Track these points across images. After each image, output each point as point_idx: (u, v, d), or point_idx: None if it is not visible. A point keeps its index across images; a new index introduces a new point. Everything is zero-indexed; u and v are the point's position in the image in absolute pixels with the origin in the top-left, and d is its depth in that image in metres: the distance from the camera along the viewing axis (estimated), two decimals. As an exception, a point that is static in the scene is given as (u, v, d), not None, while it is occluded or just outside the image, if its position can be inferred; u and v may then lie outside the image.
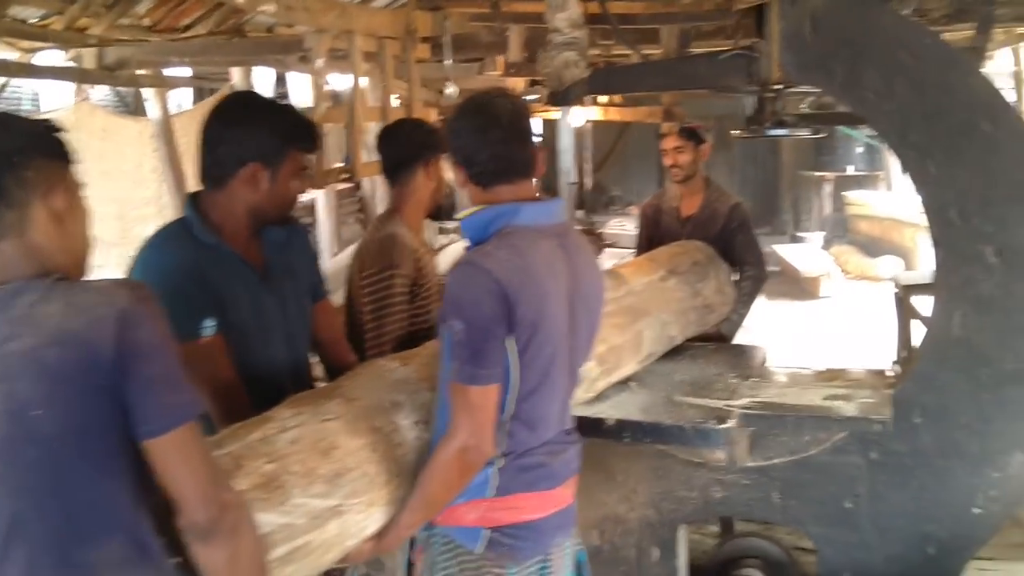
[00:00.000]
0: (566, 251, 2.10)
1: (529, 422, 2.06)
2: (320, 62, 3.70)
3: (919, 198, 2.93)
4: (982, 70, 3.23)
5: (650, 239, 4.34)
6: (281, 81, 9.10)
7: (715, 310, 3.67)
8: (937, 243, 2.90)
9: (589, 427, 2.92)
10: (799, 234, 13.82)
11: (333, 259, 7.98)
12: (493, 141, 2.03)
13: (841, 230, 12.26)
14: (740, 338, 4.21)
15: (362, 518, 1.88)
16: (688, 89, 4.28)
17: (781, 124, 3.16)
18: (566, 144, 3.33)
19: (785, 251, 11.83)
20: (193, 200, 2.24)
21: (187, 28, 6.01)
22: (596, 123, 9.91)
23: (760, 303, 9.93)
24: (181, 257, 2.12)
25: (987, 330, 2.84)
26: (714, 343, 3.98)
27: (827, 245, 12.37)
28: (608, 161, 17.21)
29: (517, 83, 4.32)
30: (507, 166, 2.06)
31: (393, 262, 2.81)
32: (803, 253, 11.53)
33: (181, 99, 9.64)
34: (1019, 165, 2.76)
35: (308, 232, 2.56)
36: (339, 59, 4.08)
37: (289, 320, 2.34)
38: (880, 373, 3.29)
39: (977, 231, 2.81)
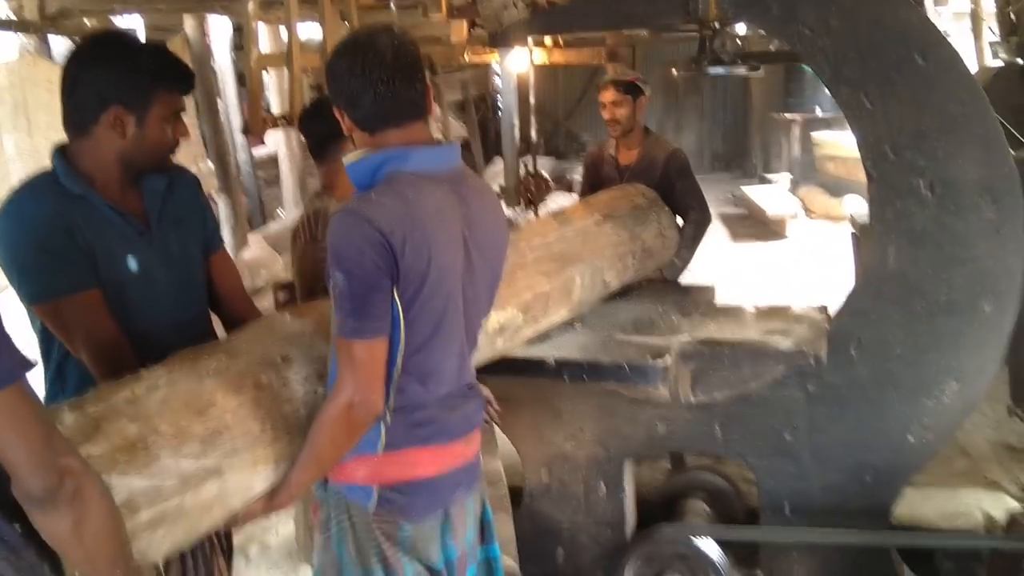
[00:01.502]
0: (461, 198, 1.98)
1: (421, 376, 1.97)
2: (251, 6, 3.63)
3: (854, 133, 2.95)
4: (919, 5, 3.24)
5: (592, 186, 4.35)
6: (240, 31, 8.93)
7: (655, 254, 3.66)
8: (871, 178, 2.93)
9: (530, 367, 2.97)
10: (768, 176, 13.86)
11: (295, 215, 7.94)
12: (376, 81, 1.88)
13: (809, 171, 12.29)
14: (700, 279, 4.23)
15: (245, 477, 1.81)
16: (628, 28, 4.24)
17: (719, 62, 3.16)
18: (508, 86, 3.31)
19: (752, 192, 11.89)
20: (61, 150, 2.11)
21: (135, -24, 5.88)
22: (567, 68, 9.79)
23: (726, 244, 10.11)
24: (47, 209, 2.01)
25: (921, 263, 2.89)
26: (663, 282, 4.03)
27: (794, 186, 12.41)
28: (579, 106, 17.12)
29: (460, 26, 4.26)
30: (393, 108, 1.92)
31: (320, 238, 2.71)
32: (770, 194, 11.59)
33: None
34: (952, 99, 2.78)
35: (196, 178, 2.42)
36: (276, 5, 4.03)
37: (176, 273, 2.22)
38: (821, 309, 3.33)
39: (910, 165, 2.84)
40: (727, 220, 11.67)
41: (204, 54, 5.08)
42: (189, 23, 6.41)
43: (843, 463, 3.04)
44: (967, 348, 2.88)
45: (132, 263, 2.11)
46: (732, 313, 3.45)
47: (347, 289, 1.81)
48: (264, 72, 5.93)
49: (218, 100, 7.69)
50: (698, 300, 3.61)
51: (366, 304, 1.82)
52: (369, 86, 1.88)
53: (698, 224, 4.09)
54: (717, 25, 3.09)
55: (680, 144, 14.58)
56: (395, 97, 1.90)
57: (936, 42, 2.83)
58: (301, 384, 1.97)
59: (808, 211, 11.11)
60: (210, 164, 6.49)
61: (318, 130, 2.83)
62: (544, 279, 2.96)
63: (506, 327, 2.72)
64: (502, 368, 2.93)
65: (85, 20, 5.63)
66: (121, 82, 2.05)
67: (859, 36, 2.83)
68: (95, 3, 5.30)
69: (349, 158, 1.96)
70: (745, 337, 3.01)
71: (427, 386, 1.99)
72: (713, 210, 11.83)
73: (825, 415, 3.04)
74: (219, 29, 7.94)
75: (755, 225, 11.02)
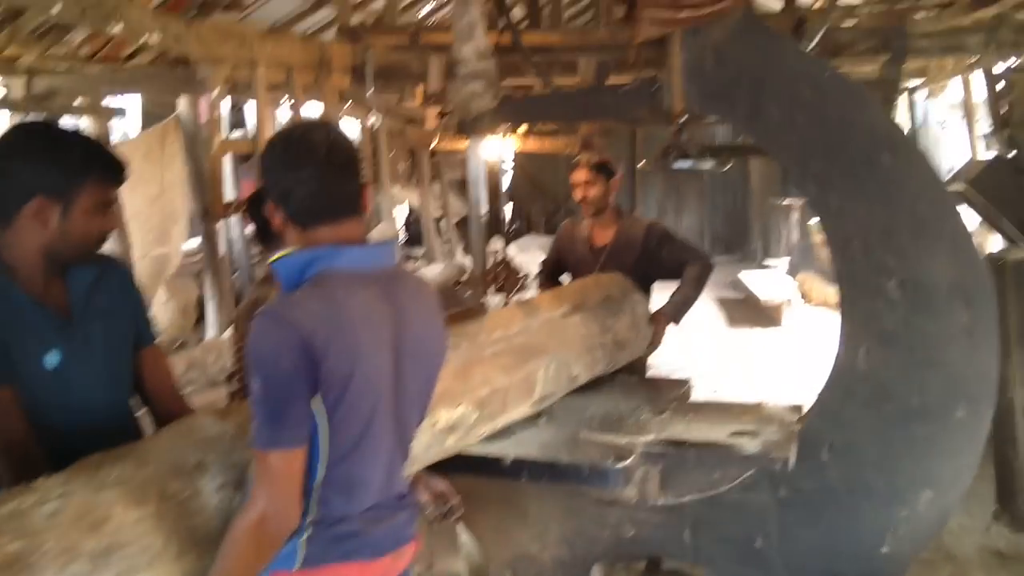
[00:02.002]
0: (393, 299, 1.91)
1: (344, 488, 1.87)
2: (215, 92, 3.63)
3: (822, 230, 2.89)
4: (896, 100, 3.23)
5: (559, 264, 4.29)
6: (237, 109, 9.04)
7: (628, 346, 3.54)
8: (840, 276, 2.87)
9: (488, 465, 2.86)
10: (767, 261, 13.85)
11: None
12: (309, 177, 1.84)
13: (807, 257, 12.26)
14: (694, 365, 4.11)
15: (144, 597, 1.66)
16: (594, 120, 4.23)
17: (685, 156, 3.13)
18: (476, 174, 3.28)
19: (749, 278, 11.84)
20: None
21: (130, 57, 5.95)
22: (557, 152, 9.87)
23: (722, 329, 10.02)
24: None
25: (892, 365, 2.80)
26: (637, 376, 3.93)
27: (792, 272, 12.37)
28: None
29: (431, 112, 4.29)
30: (326, 204, 1.86)
31: None
32: (767, 280, 11.53)
33: (130, 129, 9.55)
34: (919, 198, 2.74)
35: (128, 270, 2.35)
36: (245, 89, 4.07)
37: (99, 369, 2.13)
38: (795, 408, 3.23)
39: (880, 264, 2.78)
40: (725, 304, 11.60)
41: (197, 133, 5.11)
42: (183, 103, 6.48)
43: (817, 573, 2.91)
44: (941, 455, 2.78)
45: (50, 359, 2.03)
46: (704, 410, 3.34)
47: (263, 396, 1.71)
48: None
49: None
50: (671, 395, 3.50)
51: (284, 412, 1.72)
52: (301, 182, 1.84)
53: (703, 267, 3.93)
54: (684, 119, 3.06)
55: (682, 227, 14.60)
56: (328, 194, 1.86)
57: (902, 141, 2.82)
58: (215, 494, 1.85)
59: (805, 297, 11.04)
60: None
61: (263, 217, 2.79)
62: (503, 374, 2.82)
63: (458, 425, 2.60)
64: (459, 465, 2.82)
65: (76, 101, 5.70)
66: (45, 172, 2.00)
67: (826, 134, 2.81)
68: (84, 83, 5.36)
69: (277, 255, 1.88)
70: (712, 438, 2.90)
71: (351, 498, 1.88)
72: (711, 294, 11.80)
73: (796, 522, 2.92)
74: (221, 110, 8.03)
75: (752, 310, 10.94)
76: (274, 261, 1.89)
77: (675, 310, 3.84)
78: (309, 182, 1.84)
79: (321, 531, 1.86)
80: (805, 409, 3.14)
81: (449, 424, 2.56)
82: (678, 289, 3.91)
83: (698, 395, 3.91)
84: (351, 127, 10.22)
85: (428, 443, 2.48)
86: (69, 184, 2.02)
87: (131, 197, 6.91)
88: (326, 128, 1.92)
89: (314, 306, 1.75)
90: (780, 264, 13.11)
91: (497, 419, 2.81)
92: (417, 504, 2.18)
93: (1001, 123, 6.97)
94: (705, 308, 11.27)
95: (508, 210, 17.20)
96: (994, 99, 7.05)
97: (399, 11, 6.63)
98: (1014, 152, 6.49)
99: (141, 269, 7.21)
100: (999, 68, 6.69)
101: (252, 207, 2.86)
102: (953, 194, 2.83)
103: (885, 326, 2.79)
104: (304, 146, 1.86)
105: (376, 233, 10.45)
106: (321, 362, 1.73)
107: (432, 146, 5.04)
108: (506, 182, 17.48)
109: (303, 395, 1.74)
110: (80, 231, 2.06)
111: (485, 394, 2.71)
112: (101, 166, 2.09)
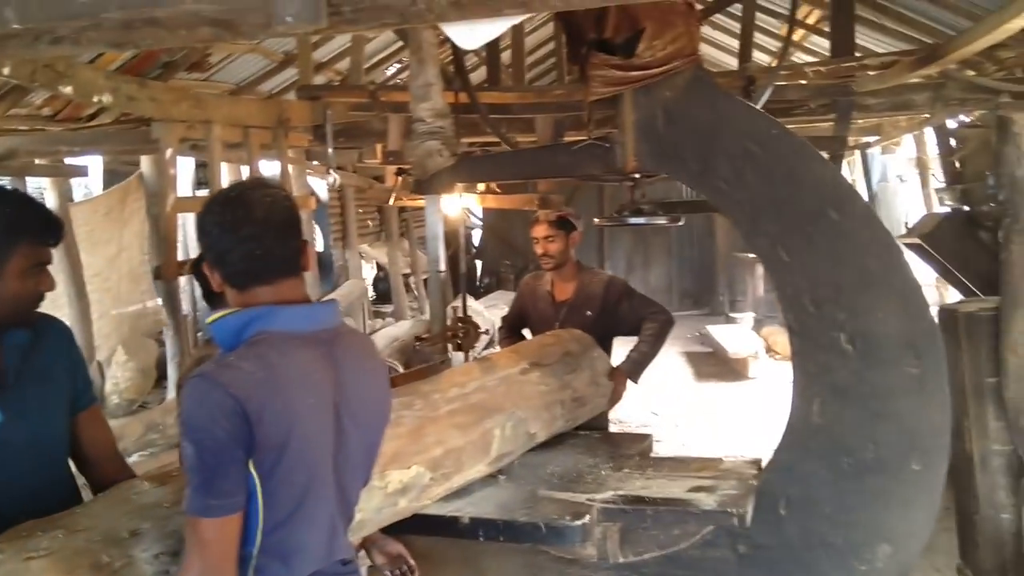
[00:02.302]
0: (333, 360, 1.88)
1: (283, 555, 1.80)
2: (169, 152, 3.63)
3: (774, 286, 2.92)
4: (844, 157, 3.29)
5: (520, 317, 4.29)
6: (203, 167, 9.05)
7: (587, 403, 3.53)
8: (792, 331, 2.88)
9: (444, 525, 2.82)
10: (733, 315, 13.94)
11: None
12: (245, 238, 1.81)
13: (772, 310, 12.35)
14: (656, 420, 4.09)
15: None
16: (549, 177, 4.27)
17: (639, 212, 3.16)
18: (435, 232, 3.28)
19: (716, 332, 11.90)
20: None
21: (92, 117, 5.95)
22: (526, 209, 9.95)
23: (690, 383, 10.04)
24: None
25: (845, 418, 2.81)
26: (601, 431, 3.91)
27: (758, 326, 12.45)
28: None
29: (390, 170, 4.32)
30: (263, 265, 1.84)
31: None
32: (733, 334, 11.59)
33: (92, 188, 9.51)
34: (867, 252, 2.77)
35: (67, 330, 2.32)
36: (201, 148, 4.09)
37: (34, 433, 2.08)
38: (753, 462, 3.23)
39: (831, 319, 2.80)
40: (692, 358, 11.64)
41: (160, 192, 5.08)
42: (145, 162, 6.47)
43: (777, 631, 2.88)
44: (898, 509, 2.77)
45: None
46: (664, 466, 3.33)
47: (196, 462, 1.66)
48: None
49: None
50: (631, 451, 3.48)
51: (217, 478, 1.67)
52: (238, 243, 1.81)
53: (662, 324, 3.94)
54: (637, 176, 3.10)
55: (650, 282, 14.63)
56: (265, 254, 1.83)
57: (849, 197, 2.85)
58: (150, 563, 1.78)
59: (771, 351, 11.10)
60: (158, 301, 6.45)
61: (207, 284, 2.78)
62: (458, 433, 2.79)
63: (411, 487, 2.56)
64: (416, 525, 2.78)
65: (38, 161, 5.67)
66: None
67: (774, 190, 2.84)
68: (45, 143, 5.34)
69: (214, 316, 1.85)
70: (669, 494, 2.88)
71: (290, 566, 1.82)
72: (678, 348, 11.81)
73: (756, 578, 2.89)
74: (182, 167, 8.03)
75: (719, 364, 10.98)
76: (211, 322, 1.86)
77: (633, 367, 3.85)
78: (246, 243, 1.81)
79: None
80: (764, 463, 3.14)
81: (401, 486, 2.52)
82: (636, 346, 3.92)
83: (666, 449, 3.91)
84: (317, 185, 10.25)
85: (379, 506, 2.43)
86: (2, 245, 2.00)
87: (91, 257, 6.86)
88: (264, 188, 1.90)
89: (249, 369, 1.72)
90: (746, 318, 13.18)
91: (452, 479, 2.76)
92: (359, 569, 2.12)
93: (954, 178, 7.14)
94: (673, 362, 11.30)
95: (479, 267, 17.26)
96: (946, 154, 7.22)
97: (364, 71, 6.72)
98: (967, 207, 6.64)
99: (100, 329, 7.13)
100: (951, 124, 6.88)
101: (196, 267, 2.84)
102: (900, 248, 2.86)
103: (837, 380, 2.80)
104: (241, 207, 1.83)
105: (345, 289, 10.42)
106: (256, 426, 1.68)
107: (391, 203, 5.06)
108: (476, 238, 17.57)
109: (238, 460, 1.69)
110: (13, 293, 2.03)
111: (439, 454, 2.67)
112: (35, 226, 2.07)
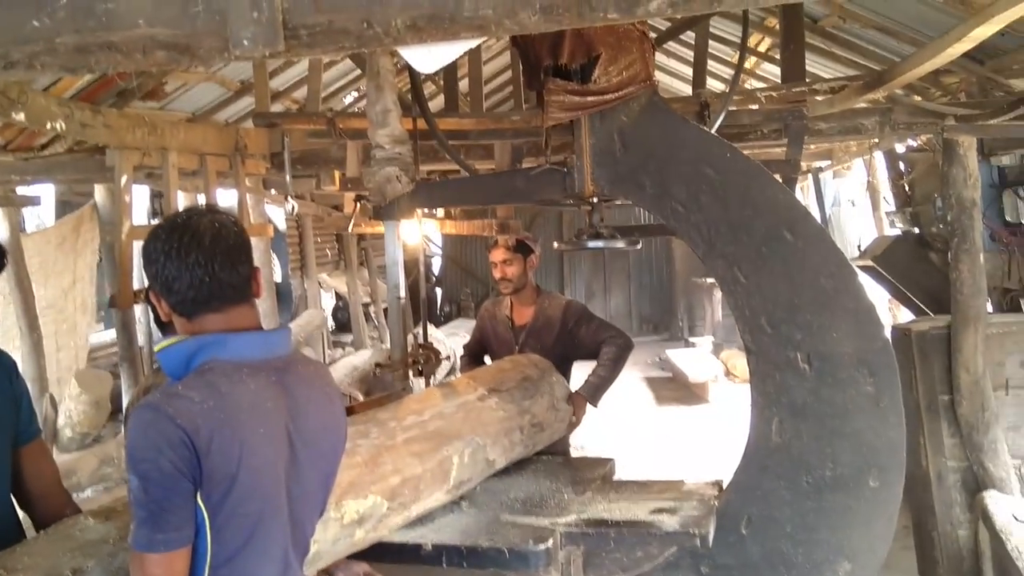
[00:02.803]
0: (286, 388, 1.83)
1: None
2: (124, 179, 3.60)
3: (731, 307, 2.96)
4: (797, 180, 3.35)
5: (481, 343, 4.29)
6: (159, 196, 8.95)
7: (547, 427, 3.51)
8: (749, 351, 2.92)
9: (408, 553, 2.79)
10: (692, 339, 14.05)
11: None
12: (192, 265, 1.76)
13: (731, 334, 12.47)
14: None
15: None
16: (508, 203, 4.30)
17: (598, 236, 3.18)
18: (394, 258, 3.27)
19: (676, 356, 11.98)
20: None
21: (44, 147, 5.87)
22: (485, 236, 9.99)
23: (650, 408, 10.08)
24: None
25: (804, 436, 2.85)
26: (563, 455, 3.91)
27: (717, 350, 12.56)
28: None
29: (349, 197, 4.32)
30: (211, 292, 1.79)
31: None
32: (693, 358, 11.68)
33: (44, 218, 9.37)
34: (821, 272, 2.83)
35: (11, 362, 2.27)
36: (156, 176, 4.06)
37: None
38: (715, 483, 3.24)
39: (787, 338, 2.85)
40: (652, 383, 11.70)
41: (115, 220, 5.01)
42: (99, 192, 6.39)
43: (741, 651, 2.89)
44: (856, 526, 2.81)
45: None
46: (626, 489, 3.33)
47: (142, 495, 1.61)
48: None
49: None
50: (593, 475, 3.48)
51: (162, 512, 1.62)
52: (185, 270, 1.77)
53: (621, 347, 3.93)
54: (595, 201, 3.12)
55: (610, 307, 14.63)
56: (213, 281, 1.78)
57: (803, 218, 2.91)
58: None
59: (730, 374, 11.20)
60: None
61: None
62: (416, 461, 2.72)
63: (368, 517, 2.48)
64: (378, 553, 2.74)
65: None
66: None
67: (729, 212, 2.89)
68: (-6, 173, 5.27)
69: (162, 344, 1.81)
70: (632, 517, 2.88)
71: None
72: (639, 373, 11.82)
73: (719, 599, 2.91)
74: (137, 196, 7.93)
75: (679, 388, 11.05)
76: (159, 350, 1.81)
77: (592, 391, 3.85)
78: (193, 270, 1.77)
79: None
80: (725, 484, 3.15)
81: (358, 516, 2.46)
82: (595, 370, 3.92)
83: (628, 474, 3.89)
84: (275, 214, 10.18)
85: (335, 537, 2.38)
86: None
87: (45, 288, 6.73)
88: (212, 213, 1.87)
89: (197, 398, 1.67)
90: (705, 342, 13.30)
91: (411, 508, 2.71)
92: None
93: (904, 201, 7.31)
94: (634, 387, 11.35)
95: (439, 295, 17.24)
96: (896, 178, 7.39)
97: (321, 99, 6.71)
98: (917, 229, 6.80)
99: (61, 361, 6.98)
100: (900, 148, 7.05)
101: (147, 294, 2.80)
102: (853, 268, 2.91)
103: (795, 399, 2.84)
104: (187, 233, 1.79)
105: (304, 319, 10.32)
106: (203, 459, 1.63)
107: (350, 230, 5.06)
108: (436, 266, 17.56)
109: (185, 493, 1.64)
110: None
111: (396, 483, 2.62)
112: None
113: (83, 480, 5.63)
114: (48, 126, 3.05)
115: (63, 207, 8.54)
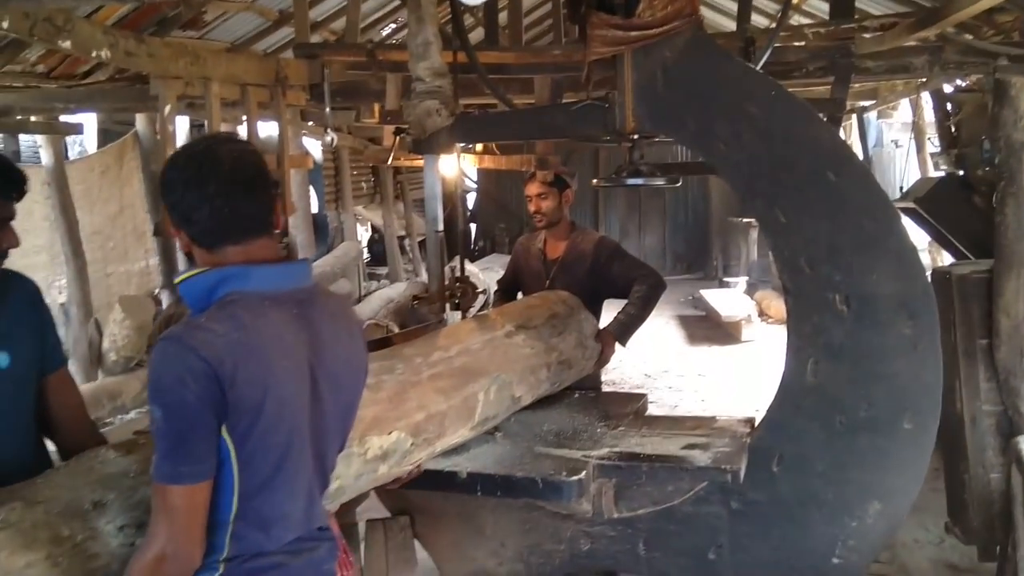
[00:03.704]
0: (308, 321, 1.82)
1: (261, 523, 1.75)
2: (167, 109, 3.63)
3: (770, 247, 2.95)
4: (843, 119, 3.30)
5: (515, 278, 4.30)
6: (200, 128, 8.99)
7: (574, 365, 3.51)
8: (788, 291, 2.91)
9: (443, 480, 2.86)
10: (726, 279, 13.99)
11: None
12: (212, 195, 1.73)
13: (766, 275, 12.41)
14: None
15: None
16: (548, 138, 4.26)
17: (638, 173, 3.17)
18: (432, 192, 3.29)
19: (710, 296, 11.96)
20: None
21: (87, 75, 5.91)
22: (520, 171, 9.94)
23: (682, 347, 10.11)
24: None
25: (839, 378, 2.85)
26: (595, 391, 3.95)
27: (751, 290, 12.51)
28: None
29: (388, 130, 4.33)
30: (232, 223, 1.76)
31: None
32: (726, 298, 11.66)
33: (87, 146, 9.47)
34: (864, 214, 2.80)
35: (35, 287, 2.22)
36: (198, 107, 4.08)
37: (1, 397, 2.02)
38: (747, 421, 3.27)
39: (826, 279, 2.83)
40: (685, 322, 11.72)
41: (157, 151, 5.05)
42: (140, 121, 6.44)
43: (768, 585, 2.94)
44: (889, 467, 2.82)
45: None
46: (658, 424, 3.37)
47: (165, 427, 1.61)
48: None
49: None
50: (627, 410, 3.52)
51: (185, 444, 1.62)
52: (205, 200, 1.74)
53: (651, 286, 3.89)
54: (635, 137, 3.10)
55: (644, 246, 14.64)
56: (234, 212, 1.76)
57: (847, 158, 2.87)
58: (115, 535, 1.73)
59: (764, 314, 11.17)
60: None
61: None
62: (441, 397, 2.72)
63: (391, 452, 2.48)
64: (416, 479, 2.81)
65: (33, 119, 5.64)
66: None
67: (772, 151, 2.86)
68: (38, 100, 5.32)
69: (182, 276, 1.79)
70: (664, 451, 2.93)
71: (269, 534, 1.77)
72: (672, 312, 11.85)
73: (748, 534, 2.95)
74: (178, 126, 7.98)
75: (712, 328, 11.06)
76: (179, 282, 1.79)
77: (621, 329, 3.82)
78: (213, 200, 1.74)
79: (235, 569, 1.74)
80: (757, 422, 3.18)
81: (382, 452, 2.45)
82: (624, 308, 3.89)
83: (659, 411, 3.96)
84: (312, 146, 10.20)
85: (358, 472, 2.37)
86: None
87: (90, 215, 6.85)
88: (231, 142, 1.83)
89: (221, 330, 1.65)
90: (739, 282, 13.25)
91: (435, 444, 2.72)
92: (337, 536, 2.07)
93: (950, 143, 7.15)
94: (666, 325, 11.38)
95: (473, 229, 17.26)
96: (943, 119, 7.22)
97: (360, 30, 6.66)
98: (962, 171, 6.66)
99: (104, 287, 7.14)
100: (948, 89, 6.87)
101: None
102: (896, 210, 2.88)
103: (832, 340, 2.84)
104: (206, 162, 1.75)
105: (340, 251, 10.41)
106: (228, 391, 1.63)
107: (389, 163, 5.07)
108: (471, 201, 17.54)
109: (208, 426, 1.64)
110: None
111: (421, 419, 2.61)
112: None
113: (127, 403, 5.79)
114: (93, 54, 3.06)
115: (104, 136, 8.62)
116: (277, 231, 1.87)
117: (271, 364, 1.70)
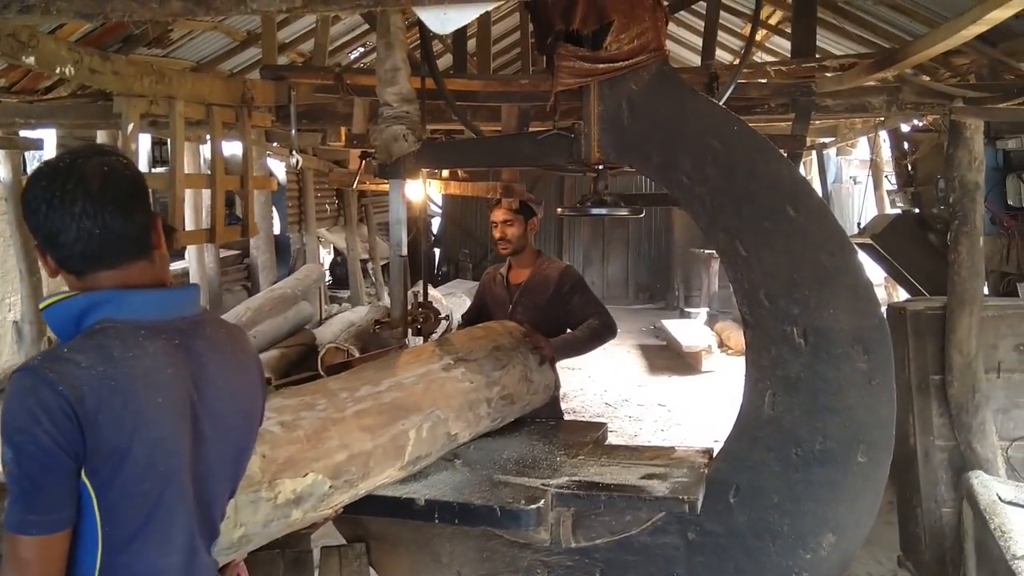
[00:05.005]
0: (191, 354, 1.64)
1: None
2: (130, 127, 3.60)
3: (731, 279, 2.99)
4: (802, 155, 3.36)
5: (481, 308, 4.30)
6: (161, 144, 8.93)
7: (518, 400, 3.42)
8: (747, 324, 2.95)
9: (400, 507, 2.83)
10: (688, 309, 14.11)
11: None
12: (79, 215, 1.54)
13: (727, 306, 12.54)
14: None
15: None
16: (514, 166, 4.30)
17: (602, 203, 3.20)
18: (398, 216, 3.28)
19: (671, 326, 12.03)
20: None
21: (49, 90, 5.84)
22: (486, 197, 9.98)
23: (643, 377, 10.15)
24: None
25: (796, 410, 2.89)
26: (556, 419, 3.95)
27: (712, 321, 12.63)
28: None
29: (354, 153, 4.33)
30: (103, 245, 1.58)
31: None
32: (687, 328, 11.74)
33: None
34: (821, 249, 2.85)
35: None
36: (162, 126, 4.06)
37: None
38: (705, 451, 3.29)
39: (784, 312, 2.88)
40: (646, 351, 11.77)
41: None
42: (101, 137, 6.36)
43: (724, 616, 2.95)
44: (843, 499, 2.85)
45: None
46: (617, 453, 3.38)
47: (16, 469, 1.44)
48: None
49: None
50: (587, 439, 3.52)
51: (37, 490, 1.45)
52: (71, 220, 1.55)
53: (605, 325, 3.92)
54: (600, 168, 3.13)
55: (607, 275, 14.70)
56: (105, 233, 1.57)
57: (807, 194, 2.92)
58: None
59: (724, 346, 11.27)
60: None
61: None
62: (366, 435, 2.57)
63: (306, 496, 2.33)
64: (370, 507, 2.78)
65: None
66: None
67: (734, 186, 2.90)
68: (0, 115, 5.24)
69: (48, 300, 1.60)
70: (623, 481, 2.93)
71: None
72: (633, 341, 11.88)
73: (705, 565, 2.97)
74: (138, 145, 7.90)
75: (673, 358, 11.12)
76: (44, 308, 1.61)
77: (560, 344, 3.80)
78: (80, 221, 1.55)
79: None
80: (715, 453, 3.20)
81: (295, 496, 2.30)
82: (572, 332, 3.92)
83: (619, 440, 3.97)
84: (276, 167, 10.15)
85: (267, 518, 2.22)
86: None
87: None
88: (102, 154, 1.64)
89: (84, 362, 1.49)
90: (700, 313, 13.37)
91: (358, 486, 2.57)
92: None
93: (906, 181, 7.32)
94: (627, 355, 11.42)
95: (437, 254, 17.26)
96: (899, 158, 7.40)
97: (328, 53, 6.67)
98: (917, 209, 6.82)
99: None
100: (905, 128, 7.04)
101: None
102: (853, 246, 2.94)
103: (789, 373, 2.87)
104: (72, 179, 1.56)
105: (301, 273, 10.34)
106: (88, 431, 1.46)
107: (355, 186, 5.06)
108: (435, 226, 17.55)
109: (64, 471, 1.47)
110: None
111: (342, 459, 2.47)
112: None
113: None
114: (57, 71, 3.03)
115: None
116: (159, 251, 1.69)
117: (142, 402, 1.53)
